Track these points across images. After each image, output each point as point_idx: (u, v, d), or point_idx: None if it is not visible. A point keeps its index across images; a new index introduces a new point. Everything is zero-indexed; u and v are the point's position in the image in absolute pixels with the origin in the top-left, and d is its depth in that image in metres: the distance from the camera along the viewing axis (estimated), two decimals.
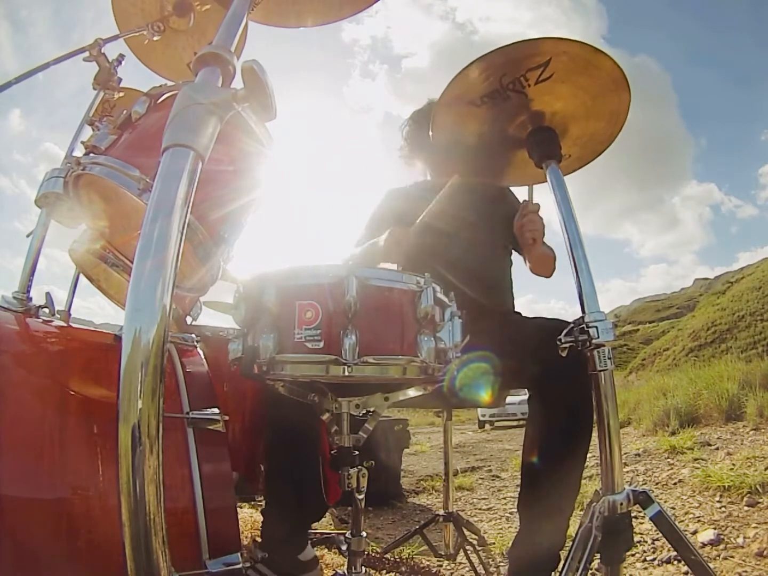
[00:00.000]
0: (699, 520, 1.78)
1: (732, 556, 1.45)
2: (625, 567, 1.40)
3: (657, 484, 2.40)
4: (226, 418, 0.86)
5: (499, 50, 0.82)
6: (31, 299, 0.99)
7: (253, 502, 1.86)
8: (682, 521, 1.81)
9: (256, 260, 1.04)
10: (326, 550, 1.57)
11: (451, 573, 1.56)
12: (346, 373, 0.62)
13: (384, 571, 1.50)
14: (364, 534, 0.74)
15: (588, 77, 0.85)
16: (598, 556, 0.73)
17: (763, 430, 3.05)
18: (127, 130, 0.88)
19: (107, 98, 1.22)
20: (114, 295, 1.07)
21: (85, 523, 0.67)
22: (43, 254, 1.08)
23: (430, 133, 1.00)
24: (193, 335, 1.02)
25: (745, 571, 1.35)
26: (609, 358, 0.78)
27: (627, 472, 2.74)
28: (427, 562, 1.62)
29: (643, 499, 0.76)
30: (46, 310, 0.99)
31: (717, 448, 2.81)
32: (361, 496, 0.73)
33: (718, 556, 1.48)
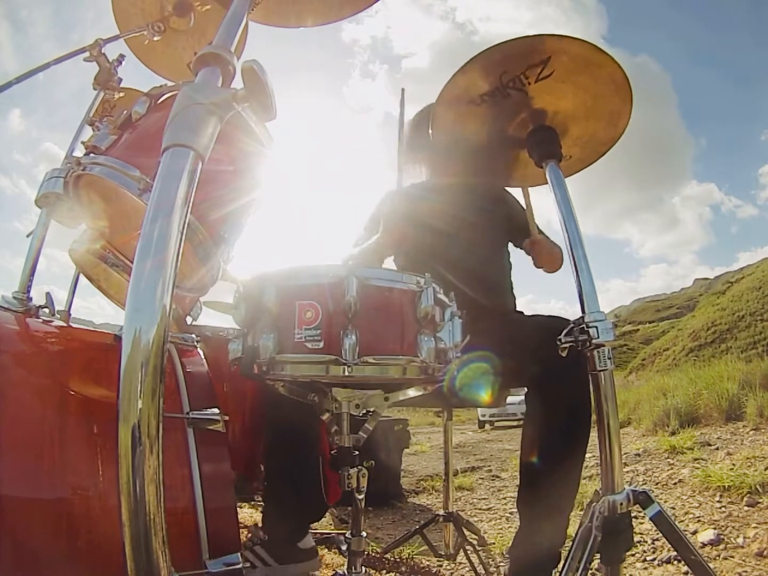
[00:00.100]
0: (699, 520, 1.78)
1: (732, 556, 1.45)
2: (625, 567, 1.40)
3: (657, 484, 2.40)
4: (226, 418, 0.86)
5: (498, 46, 0.82)
6: (31, 299, 0.99)
7: (253, 502, 1.86)
8: (682, 521, 1.81)
9: (256, 260, 1.04)
10: (326, 550, 1.57)
11: (451, 573, 1.56)
12: (346, 373, 0.62)
13: (384, 571, 1.50)
14: (364, 534, 0.74)
15: (589, 77, 0.85)
16: (598, 556, 0.73)
17: (763, 430, 3.05)
18: (128, 131, 0.88)
19: (107, 98, 1.22)
20: (114, 295, 1.07)
21: (85, 523, 0.67)
22: (43, 254, 1.08)
23: (430, 132, 1.00)
24: (193, 335, 1.02)
25: (745, 571, 1.35)
26: (609, 358, 0.78)
27: (627, 472, 2.73)
28: (427, 562, 1.61)
29: (643, 499, 0.76)
30: (46, 310, 0.99)
31: (717, 448, 2.81)
32: (361, 496, 0.73)
33: (718, 556, 1.48)
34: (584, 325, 0.78)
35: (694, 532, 1.67)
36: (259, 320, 0.68)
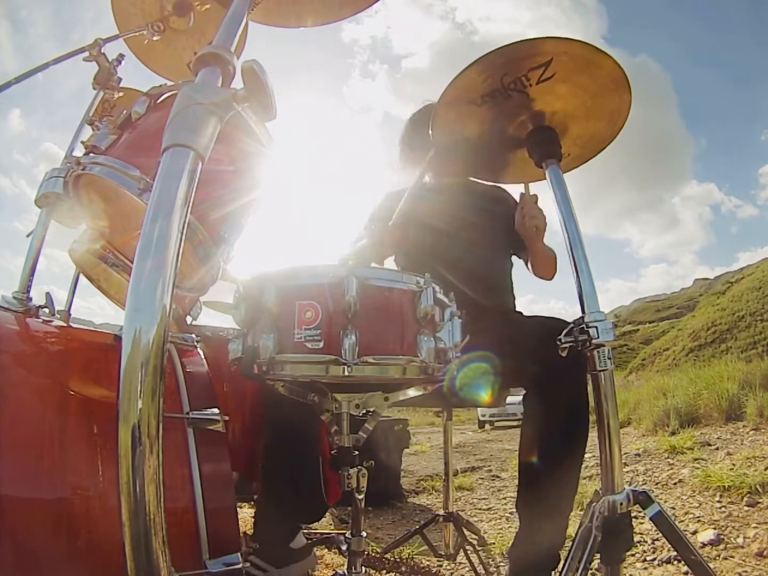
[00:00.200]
0: (699, 520, 1.78)
1: (732, 556, 1.45)
2: (625, 567, 1.40)
3: (657, 484, 2.40)
4: (226, 418, 0.86)
5: (500, 49, 0.82)
6: (31, 299, 0.99)
7: (252, 502, 1.86)
8: (682, 521, 1.81)
9: (256, 260, 1.04)
10: (326, 550, 1.57)
11: (451, 573, 1.56)
12: (346, 373, 0.62)
13: (384, 571, 1.50)
14: (364, 534, 0.74)
15: (588, 77, 0.85)
16: (598, 556, 0.73)
17: (763, 430, 3.05)
18: (127, 130, 0.88)
19: (107, 98, 1.22)
20: (114, 295, 1.07)
21: (85, 523, 0.67)
22: (43, 254, 1.08)
23: (430, 132, 1.00)
24: (193, 335, 1.02)
25: (745, 571, 1.35)
26: (609, 358, 0.78)
27: (627, 472, 2.73)
28: (427, 562, 1.61)
29: (643, 499, 0.76)
30: (46, 310, 0.99)
31: (717, 448, 2.81)
32: (361, 496, 0.73)
33: (718, 556, 1.48)
34: (584, 325, 0.78)
35: (694, 532, 1.67)
36: (259, 320, 0.68)
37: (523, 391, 1.07)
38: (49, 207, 1.01)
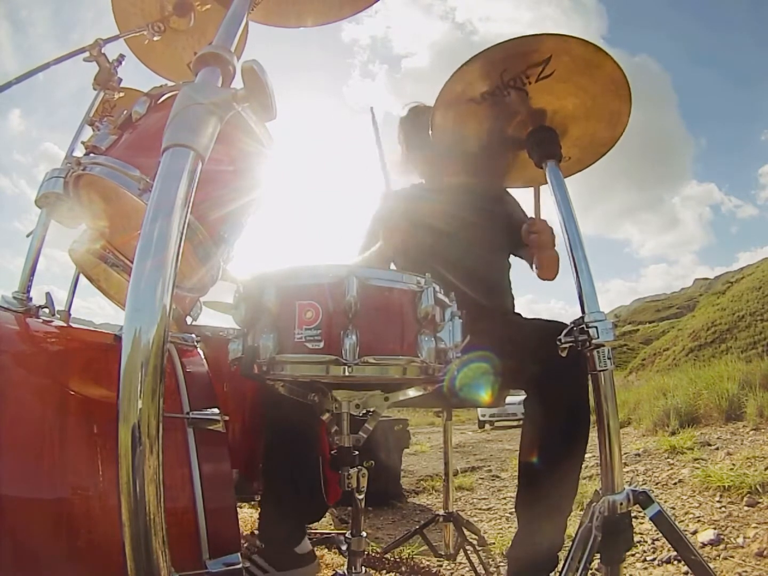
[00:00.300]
0: (699, 520, 1.78)
1: (732, 556, 1.45)
2: (625, 567, 1.40)
3: (657, 484, 2.40)
4: (226, 418, 0.86)
5: (500, 45, 0.82)
6: (31, 299, 0.99)
7: (253, 502, 1.86)
8: (682, 521, 1.81)
9: (256, 260, 1.04)
10: (326, 550, 1.57)
11: (451, 573, 1.56)
12: (346, 373, 0.62)
13: (384, 571, 1.50)
14: (364, 534, 0.74)
15: (588, 77, 0.85)
16: (598, 556, 0.73)
17: (763, 430, 3.05)
18: (128, 130, 0.88)
19: (107, 98, 1.22)
20: (114, 295, 1.07)
21: (85, 523, 0.67)
22: (43, 254, 1.08)
23: (430, 132, 1.00)
24: (193, 335, 1.02)
25: (745, 571, 1.35)
26: (609, 358, 0.78)
27: (627, 472, 2.73)
28: (427, 562, 1.62)
29: (643, 499, 0.76)
30: (46, 310, 0.99)
31: (717, 448, 2.81)
32: (361, 496, 0.73)
33: (718, 556, 1.48)
34: (584, 325, 0.78)
35: (694, 532, 1.67)
36: (259, 320, 0.68)
37: (523, 391, 1.07)
38: (49, 207, 1.01)
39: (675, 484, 2.31)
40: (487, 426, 11.31)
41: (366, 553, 1.38)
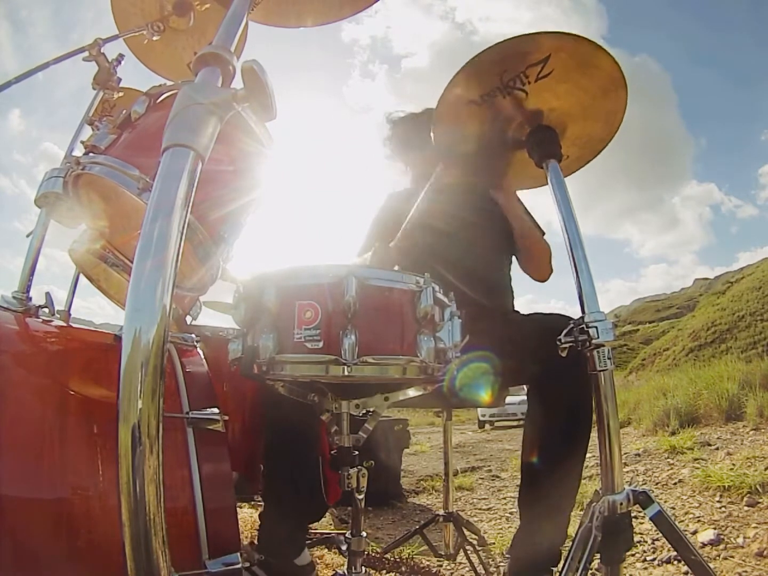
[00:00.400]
0: (699, 520, 1.78)
1: (732, 556, 1.45)
2: (625, 567, 1.40)
3: (657, 484, 2.40)
4: (226, 418, 0.86)
5: (498, 45, 0.82)
6: (31, 299, 0.99)
7: (253, 502, 1.86)
8: (682, 521, 1.81)
9: (256, 260, 1.04)
10: (326, 550, 1.57)
11: (451, 573, 1.56)
12: (346, 373, 0.62)
13: (384, 571, 1.50)
14: (364, 534, 0.74)
15: (586, 77, 0.85)
16: (598, 556, 0.73)
17: (763, 430, 3.05)
18: (127, 130, 0.88)
19: (107, 98, 1.22)
20: (114, 295, 1.07)
21: (85, 523, 0.67)
22: (43, 254, 1.07)
23: (432, 134, 1.00)
24: (193, 335, 1.02)
25: (745, 571, 1.35)
26: (609, 358, 0.78)
27: (627, 472, 2.74)
28: (427, 562, 1.62)
29: (643, 499, 0.76)
30: (46, 310, 0.99)
31: (717, 448, 2.81)
32: (361, 496, 0.73)
33: (718, 556, 1.48)
34: (584, 325, 0.78)
35: (694, 532, 1.67)
36: (258, 320, 0.68)
37: (524, 391, 1.07)
38: (49, 207, 1.01)
39: (675, 484, 2.31)
40: (487, 426, 11.31)
41: (366, 553, 1.38)
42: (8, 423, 0.67)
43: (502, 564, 1.61)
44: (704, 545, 1.55)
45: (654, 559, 1.49)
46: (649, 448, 3.23)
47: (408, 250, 1.26)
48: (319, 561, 1.48)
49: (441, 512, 1.53)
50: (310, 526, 1.34)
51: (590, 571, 0.72)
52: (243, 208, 0.92)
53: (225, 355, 0.72)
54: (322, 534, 1.59)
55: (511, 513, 2.38)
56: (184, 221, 0.50)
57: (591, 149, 1.01)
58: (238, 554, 0.78)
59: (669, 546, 1.10)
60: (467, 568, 1.52)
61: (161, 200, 0.49)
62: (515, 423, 10.16)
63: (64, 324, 1.01)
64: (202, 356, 0.99)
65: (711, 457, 2.62)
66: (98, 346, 0.88)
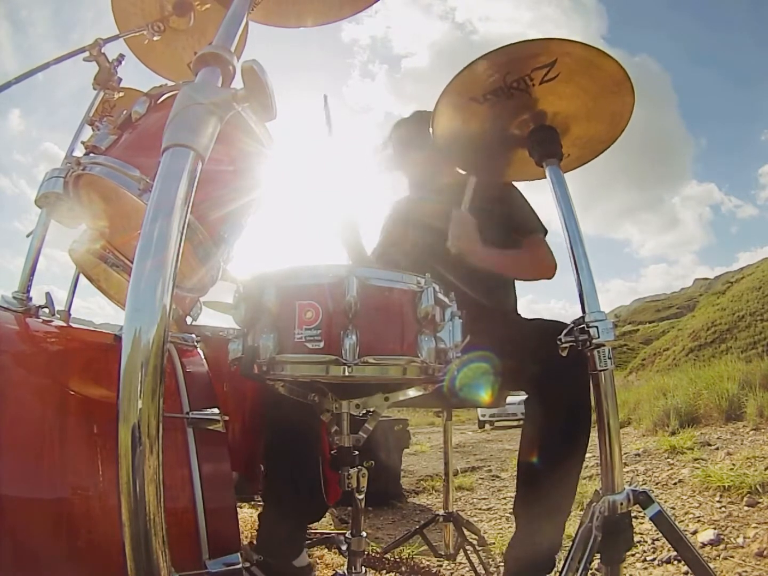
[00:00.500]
0: (699, 520, 1.78)
1: (732, 556, 1.45)
2: (625, 567, 1.40)
3: (657, 484, 2.40)
4: (226, 418, 0.86)
5: (505, 48, 0.82)
6: (31, 299, 0.99)
7: (253, 502, 1.86)
8: (682, 521, 1.81)
9: (256, 260, 1.04)
10: (326, 550, 1.57)
11: (451, 573, 1.56)
12: (347, 373, 0.62)
13: (384, 571, 1.50)
14: (364, 534, 0.74)
15: (590, 78, 0.85)
16: (598, 556, 0.73)
17: (763, 430, 3.05)
18: (127, 130, 0.88)
19: (107, 98, 1.22)
20: (114, 295, 1.07)
21: (85, 523, 0.67)
22: (43, 254, 1.07)
23: (431, 130, 1.00)
24: (193, 335, 1.02)
25: (745, 571, 1.35)
26: (609, 358, 0.78)
27: (627, 472, 2.74)
28: (427, 562, 1.62)
29: (643, 499, 0.76)
30: (46, 310, 0.99)
31: (717, 448, 2.81)
32: (361, 496, 0.73)
33: (718, 556, 1.48)
34: (584, 325, 0.78)
35: (694, 532, 1.67)
36: (259, 320, 0.68)
37: (524, 391, 1.07)
38: (49, 207, 1.01)
39: (675, 484, 2.31)
40: (487, 426, 11.31)
41: (366, 553, 1.37)
42: (8, 423, 0.67)
43: (502, 564, 1.61)
44: (704, 545, 1.55)
45: (654, 559, 1.49)
46: (649, 448, 3.23)
47: (408, 250, 1.26)
48: (319, 561, 1.48)
49: (441, 512, 1.53)
50: (310, 526, 1.34)
51: (590, 571, 0.72)
52: (243, 208, 0.92)
53: (225, 355, 0.72)
54: (322, 534, 1.59)
55: (511, 513, 2.37)
56: (184, 221, 0.50)
57: (592, 149, 1.01)
58: (239, 554, 0.78)
59: (669, 546, 1.10)
60: (467, 568, 1.52)
61: (161, 200, 0.49)
62: (515, 423, 10.15)
63: (64, 324, 1.01)
64: (203, 356, 0.99)
65: (711, 457, 2.62)
66: (98, 346, 0.88)
